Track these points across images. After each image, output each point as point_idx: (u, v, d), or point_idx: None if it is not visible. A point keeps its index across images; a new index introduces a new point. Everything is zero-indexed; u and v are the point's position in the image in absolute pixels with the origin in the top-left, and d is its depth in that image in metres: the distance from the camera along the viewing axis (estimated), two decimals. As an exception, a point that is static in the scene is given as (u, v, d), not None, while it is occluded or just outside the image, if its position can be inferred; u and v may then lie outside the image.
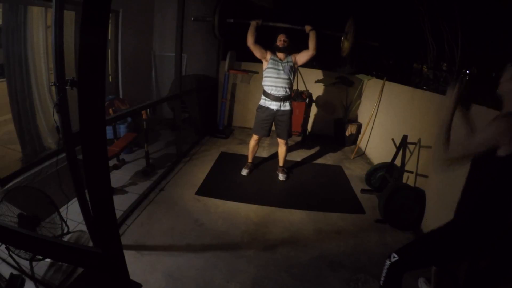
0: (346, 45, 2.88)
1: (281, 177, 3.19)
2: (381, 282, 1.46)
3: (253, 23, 2.86)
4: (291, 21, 2.93)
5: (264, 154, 3.93)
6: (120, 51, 4.05)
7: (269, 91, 2.90)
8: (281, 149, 3.14)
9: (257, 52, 2.87)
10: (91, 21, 0.75)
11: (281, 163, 3.22)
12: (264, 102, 2.97)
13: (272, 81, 2.87)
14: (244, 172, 3.24)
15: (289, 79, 2.87)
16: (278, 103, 2.91)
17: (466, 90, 1.28)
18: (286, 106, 2.93)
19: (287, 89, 2.89)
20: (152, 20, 4.71)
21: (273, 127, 3.09)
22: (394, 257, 1.40)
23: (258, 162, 3.61)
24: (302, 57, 2.86)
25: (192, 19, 3.17)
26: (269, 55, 2.87)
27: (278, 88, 2.86)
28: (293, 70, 2.89)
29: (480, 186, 1.20)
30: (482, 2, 3.77)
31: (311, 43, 2.79)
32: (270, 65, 2.86)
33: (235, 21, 3.16)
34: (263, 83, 2.94)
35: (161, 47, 4.82)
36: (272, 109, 2.93)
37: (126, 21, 4.02)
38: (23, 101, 2.76)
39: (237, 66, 4.73)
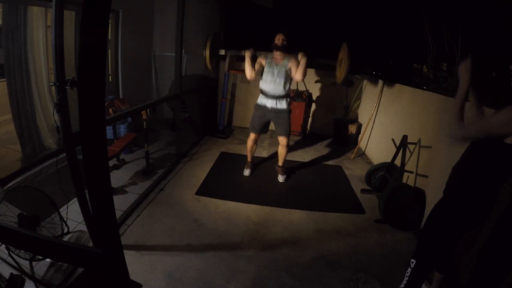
0: (340, 73, 2.88)
1: (280, 178, 3.15)
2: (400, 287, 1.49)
3: (247, 54, 2.84)
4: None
5: (264, 154, 3.93)
6: (120, 51, 4.05)
7: (265, 90, 2.92)
8: (281, 149, 3.09)
9: (257, 70, 2.87)
10: (91, 21, 0.75)
11: (280, 163, 3.17)
12: (261, 100, 2.98)
13: (268, 82, 2.88)
14: (246, 172, 3.24)
15: (284, 83, 2.84)
16: (274, 101, 2.89)
17: (476, 69, 1.28)
18: (283, 105, 2.90)
19: (284, 90, 2.87)
20: (152, 20, 4.71)
21: (273, 127, 3.09)
22: (412, 262, 1.44)
23: (258, 162, 3.61)
24: (293, 73, 2.79)
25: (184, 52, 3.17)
26: (264, 61, 2.87)
27: (275, 89, 2.86)
28: (288, 75, 2.84)
29: (479, 167, 1.24)
30: (482, 2, 3.77)
31: (299, 71, 2.72)
32: (266, 69, 2.87)
33: (226, 53, 3.17)
34: (260, 84, 2.96)
35: (161, 47, 4.82)
36: (268, 107, 2.91)
37: (126, 21, 4.02)
38: (23, 101, 2.76)
39: (237, 66, 4.73)
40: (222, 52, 3.17)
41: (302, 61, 2.71)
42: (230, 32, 5.24)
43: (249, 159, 3.30)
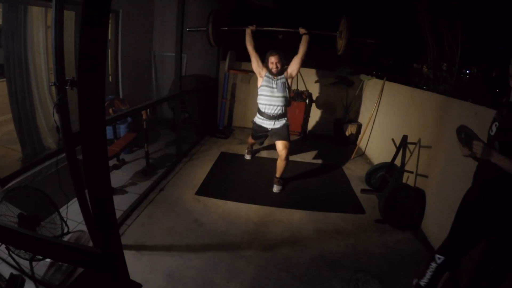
0: (340, 43, 2.88)
1: (275, 188, 2.94)
2: (423, 283, 1.48)
3: (248, 31, 2.87)
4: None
5: (264, 154, 3.93)
6: (120, 51, 4.05)
7: (263, 110, 2.88)
8: (280, 162, 2.90)
9: (254, 62, 2.85)
10: (91, 21, 0.74)
11: (277, 174, 2.99)
12: (258, 120, 2.97)
13: (266, 99, 2.83)
14: (248, 156, 3.63)
15: (283, 96, 2.82)
16: (272, 122, 2.89)
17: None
18: (282, 124, 2.91)
19: (282, 107, 2.85)
20: (152, 20, 4.71)
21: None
22: (439, 258, 1.42)
23: (258, 162, 3.61)
24: (293, 68, 2.81)
25: (188, 29, 3.19)
26: (264, 72, 2.84)
27: (272, 107, 2.83)
28: (287, 86, 2.84)
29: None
30: (482, 2, 3.77)
31: (302, 47, 2.76)
32: (264, 83, 2.83)
33: (229, 29, 3.20)
34: (258, 101, 2.91)
35: (161, 47, 4.83)
36: (266, 128, 2.94)
37: (126, 21, 4.02)
38: (23, 101, 2.77)
39: (237, 66, 4.73)
40: (225, 28, 3.20)
41: (304, 37, 2.75)
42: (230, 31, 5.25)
43: (249, 146, 3.61)
